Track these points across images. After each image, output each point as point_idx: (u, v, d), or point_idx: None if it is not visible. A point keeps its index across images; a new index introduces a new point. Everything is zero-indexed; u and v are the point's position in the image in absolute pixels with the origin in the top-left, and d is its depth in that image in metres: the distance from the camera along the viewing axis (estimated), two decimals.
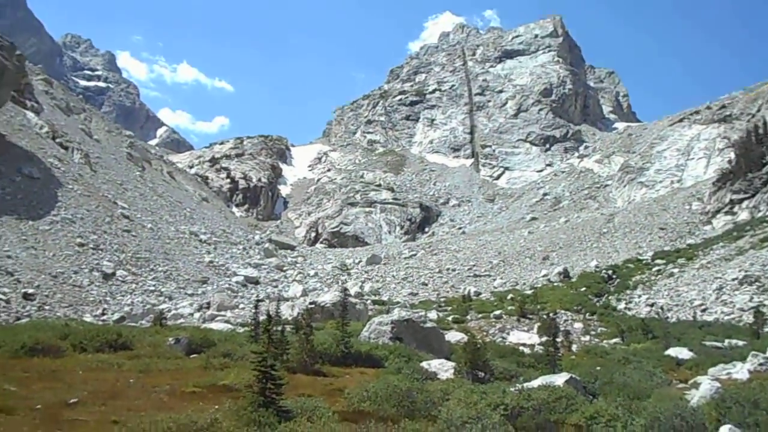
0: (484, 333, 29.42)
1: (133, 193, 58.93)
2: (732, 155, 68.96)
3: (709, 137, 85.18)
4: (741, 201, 57.65)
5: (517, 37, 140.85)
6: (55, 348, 14.42)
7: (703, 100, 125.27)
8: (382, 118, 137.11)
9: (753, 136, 64.51)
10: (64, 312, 31.64)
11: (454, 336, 24.48)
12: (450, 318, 32.98)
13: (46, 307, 31.59)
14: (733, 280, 35.88)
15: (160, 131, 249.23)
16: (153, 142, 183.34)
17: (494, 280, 50.25)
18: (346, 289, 29.42)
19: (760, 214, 52.94)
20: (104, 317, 32.59)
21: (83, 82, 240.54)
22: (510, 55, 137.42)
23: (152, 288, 40.23)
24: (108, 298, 36.17)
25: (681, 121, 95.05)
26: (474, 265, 55.78)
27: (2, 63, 46.98)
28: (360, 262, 60.31)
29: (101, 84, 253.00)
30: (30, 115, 59.03)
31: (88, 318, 31.17)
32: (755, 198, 56.95)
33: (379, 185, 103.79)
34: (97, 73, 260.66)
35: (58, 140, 58.45)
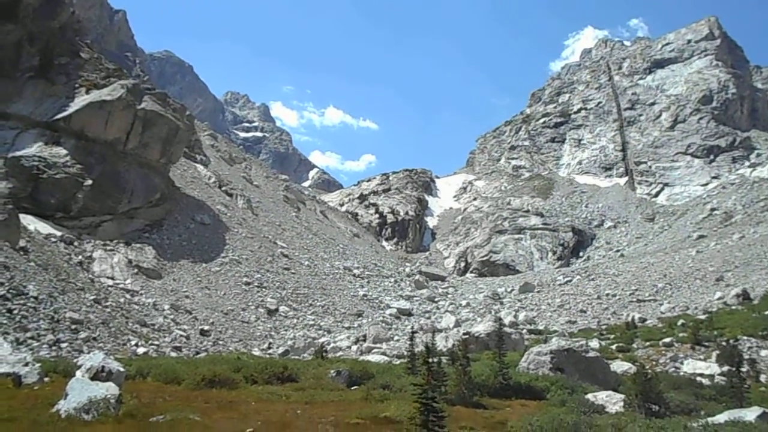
0: (654, 362, 27.21)
1: (290, 233, 62.66)
2: None
3: None
4: None
5: (667, 44, 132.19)
6: (230, 380, 15.51)
7: None
8: (526, 143, 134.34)
9: None
10: (235, 346, 34.07)
11: (620, 366, 22.88)
12: (614, 347, 30.93)
13: (220, 342, 34.21)
14: None
15: (312, 173, 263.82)
16: (306, 184, 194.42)
17: (661, 305, 46.49)
18: (499, 319, 28.81)
19: None
20: (270, 351, 34.60)
21: (243, 134, 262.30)
22: (661, 64, 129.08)
23: (312, 322, 42.14)
24: (273, 333, 38.43)
25: None
26: (636, 290, 52.12)
27: (176, 123, 52.52)
28: (512, 290, 58.85)
29: (258, 134, 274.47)
30: (200, 167, 65.38)
31: (256, 351, 33.27)
32: None
33: (528, 211, 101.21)
34: (254, 124, 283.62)
35: (223, 188, 64.01)
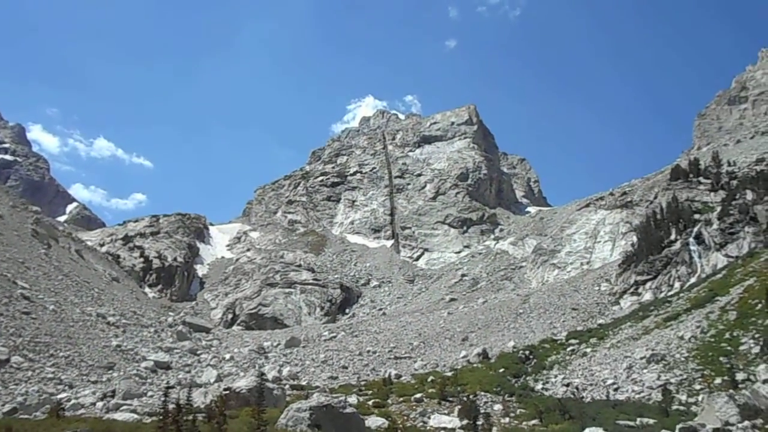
0: (405, 417, 28.90)
1: (36, 272, 55.49)
2: (634, 239, 73.45)
3: (614, 221, 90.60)
4: (644, 282, 60.98)
5: (434, 123, 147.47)
6: None
7: (607, 186, 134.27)
8: (304, 199, 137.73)
9: (652, 221, 69.23)
10: None
11: (374, 421, 23.90)
12: (371, 402, 32.25)
13: None
14: (641, 358, 37.35)
15: (71, 207, 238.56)
16: (62, 219, 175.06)
17: (415, 362, 49.95)
18: (263, 374, 28.43)
19: (662, 295, 56.03)
20: None
21: None
22: (428, 140, 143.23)
23: (51, 375, 37.24)
24: (0, 388, 33.13)
25: (588, 206, 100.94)
26: (394, 347, 55.42)
27: None
28: (278, 344, 58.63)
29: (8, 157, 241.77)
30: None
31: None
32: (657, 279, 60.42)
33: (300, 265, 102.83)
34: (4, 145, 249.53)
35: None
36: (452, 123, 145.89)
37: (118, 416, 24.61)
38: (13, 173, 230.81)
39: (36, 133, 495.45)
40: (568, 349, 44.65)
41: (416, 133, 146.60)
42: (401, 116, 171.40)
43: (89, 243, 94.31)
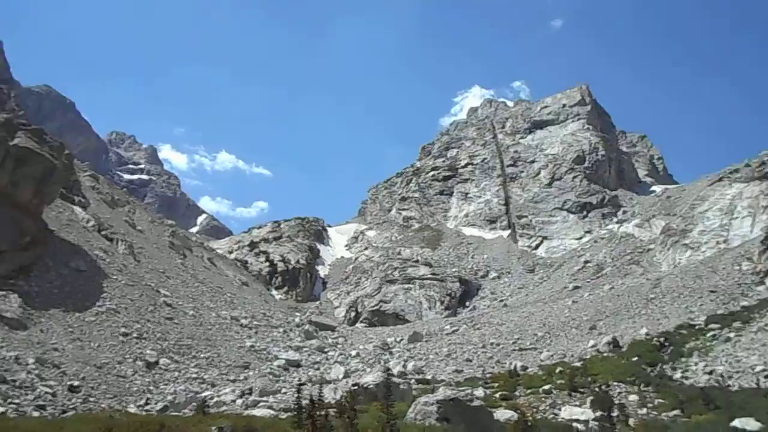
0: (535, 410, 28.23)
1: (175, 281, 59.90)
2: None
3: (752, 195, 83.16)
4: None
5: (545, 107, 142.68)
6: None
7: (738, 158, 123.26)
8: (417, 195, 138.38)
9: None
10: (109, 403, 31.61)
11: (503, 414, 23.52)
12: (497, 395, 31.83)
13: (91, 399, 31.63)
14: None
15: (201, 219, 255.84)
16: (194, 230, 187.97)
17: (540, 353, 48.69)
18: (388, 369, 28.89)
19: None
20: (148, 407, 32.42)
21: (127, 176, 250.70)
22: (539, 125, 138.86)
23: (195, 375, 40.08)
24: (151, 388, 36.09)
25: (720, 180, 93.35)
26: (518, 338, 54.33)
27: (52, 162, 49.41)
28: (401, 340, 59.36)
29: (144, 177, 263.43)
30: (77, 209, 61.41)
31: (132, 408, 31.05)
32: None
33: (417, 261, 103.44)
34: (140, 166, 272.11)
35: (103, 233, 60.39)
36: (564, 105, 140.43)
37: (257, 412, 25.97)
38: (149, 191, 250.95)
39: (166, 152, 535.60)
40: (709, 334, 41.54)
41: (526, 119, 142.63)
42: (509, 103, 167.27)
43: (219, 251, 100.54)
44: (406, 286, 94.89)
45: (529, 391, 32.38)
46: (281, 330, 59.12)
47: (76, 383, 32.44)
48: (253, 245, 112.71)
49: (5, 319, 36.48)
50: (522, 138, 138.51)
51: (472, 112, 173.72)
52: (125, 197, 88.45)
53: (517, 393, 32.33)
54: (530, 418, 21.01)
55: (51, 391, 30.36)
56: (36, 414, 26.05)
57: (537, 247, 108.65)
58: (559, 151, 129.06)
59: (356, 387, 26.80)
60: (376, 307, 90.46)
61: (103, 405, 30.86)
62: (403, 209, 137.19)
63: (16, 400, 27.20)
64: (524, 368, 42.09)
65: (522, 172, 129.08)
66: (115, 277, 50.80)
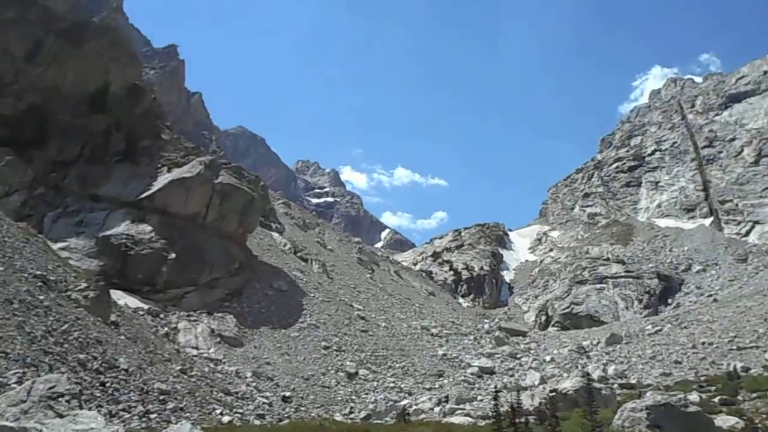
0: (764, 416, 25.03)
1: (366, 295, 62.79)
2: None
3: None
4: None
5: (741, 78, 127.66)
6: None
7: None
8: (600, 189, 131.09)
9: None
10: (317, 412, 33.88)
11: (725, 420, 21.17)
12: (716, 400, 28.74)
13: (302, 408, 34.13)
14: None
15: (384, 234, 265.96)
16: (379, 245, 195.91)
17: (764, 351, 43.13)
18: (588, 374, 27.46)
19: None
20: (352, 415, 34.19)
21: (315, 200, 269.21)
22: (736, 98, 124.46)
23: (392, 384, 41.49)
24: (353, 397, 38.05)
25: None
26: (735, 337, 48.70)
27: (251, 194, 54.59)
28: (598, 342, 56.21)
29: (329, 199, 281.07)
30: (275, 235, 67.22)
31: (338, 417, 32.95)
32: None
33: (608, 259, 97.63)
34: (325, 190, 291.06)
35: (299, 254, 65.34)
36: (765, 72, 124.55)
37: (455, 419, 26.15)
38: (335, 212, 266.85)
39: (347, 174, 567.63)
40: None
41: (720, 93, 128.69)
42: (698, 79, 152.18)
43: (404, 263, 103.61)
44: (598, 286, 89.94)
45: (754, 395, 28.82)
46: (471, 337, 59.12)
47: (288, 394, 35.27)
48: (436, 255, 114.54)
49: (225, 338, 40.84)
50: (717, 115, 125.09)
51: (655, 94, 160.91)
52: (315, 220, 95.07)
53: (739, 397, 28.93)
54: (759, 425, 18.68)
55: (267, 401, 33.29)
56: (257, 422, 28.69)
57: (747, 233, 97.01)
58: (764, 123, 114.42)
59: (554, 393, 25.85)
60: (567, 310, 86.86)
61: (313, 413, 33.14)
62: (587, 206, 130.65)
63: (240, 410, 30.18)
64: (746, 369, 37.59)
65: (720, 152, 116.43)
66: (312, 294, 54.58)
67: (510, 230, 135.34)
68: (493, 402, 17.66)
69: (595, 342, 56.91)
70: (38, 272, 29.73)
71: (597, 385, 27.70)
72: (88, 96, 51.37)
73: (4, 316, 23.28)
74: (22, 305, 25.01)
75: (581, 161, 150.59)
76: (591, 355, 52.02)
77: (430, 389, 41.52)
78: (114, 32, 60.32)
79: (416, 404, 36.47)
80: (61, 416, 13.71)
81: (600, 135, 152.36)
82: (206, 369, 34.55)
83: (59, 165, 47.75)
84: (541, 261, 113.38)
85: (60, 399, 14.28)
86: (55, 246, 39.77)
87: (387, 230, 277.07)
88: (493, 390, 29.31)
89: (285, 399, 34.62)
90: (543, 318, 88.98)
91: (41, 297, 27.15)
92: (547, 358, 52.28)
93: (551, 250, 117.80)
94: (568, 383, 27.22)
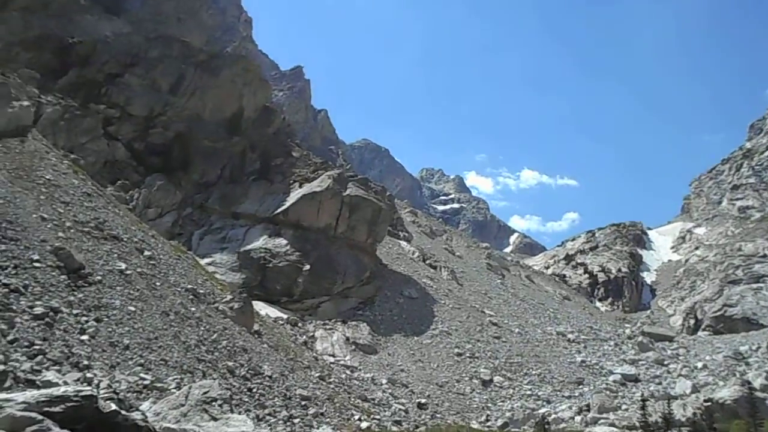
0: None
1: (497, 301, 61.72)
2: None
3: None
4: None
5: None
6: None
7: None
8: (752, 180, 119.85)
9: None
10: (453, 419, 33.71)
11: None
12: None
13: (438, 415, 34.14)
14: None
15: (513, 238, 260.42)
16: (508, 250, 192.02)
17: None
18: (748, 382, 25.10)
19: None
20: (488, 423, 33.65)
21: (441, 207, 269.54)
22: None
23: (529, 392, 40.36)
24: (489, 404, 37.46)
25: None
26: None
27: (378, 205, 55.76)
28: (758, 348, 51.14)
29: (455, 205, 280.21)
30: (403, 243, 68.07)
31: (474, 424, 32.58)
32: None
33: (765, 256, 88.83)
34: (450, 196, 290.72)
35: (427, 262, 65.65)
36: None
37: (598, 429, 24.92)
38: (461, 218, 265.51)
39: (472, 179, 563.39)
40: None
41: None
42: None
43: (535, 268, 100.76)
44: (755, 285, 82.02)
45: None
46: (612, 343, 56.14)
47: (423, 400, 35.44)
48: (569, 258, 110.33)
49: (360, 345, 41.88)
50: None
51: None
52: (441, 227, 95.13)
53: None
54: None
55: (404, 407, 33.66)
56: (395, 429, 29.09)
57: None
58: None
59: (710, 403, 23.87)
60: (719, 312, 80.00)
61: (449, 420, 33.01)
62: (737, 199, 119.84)
63: (377, 416, 30.76)
64: None
65: None
66: (443, 301, 54.55)
67: (649, 229, 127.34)
68: (640, 412, 16.64)
69: (754, 347, 51.85)
70: (189, 286, 32.23)
71: (760, 394, 25.20)
72: (225, 121, 55.28)
73: (163, 327, 25.43)
74: (177, 317, 27.21)
75: (727, 152, 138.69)
76: (750, 362, 47.42)
77: (569, 397, 39.92)
78: (245, 60, 64.47)
79: (555, 413, 35.22)
80: (215, 419, 14.70)
81: (748, 121, 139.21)
82: (343, 376, 35.61)
83: (203, 186, 51.71)
84: (686, 260, 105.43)
85: (213, 403, 15.33)
86: (203, 261, 43.01)
87: (516, 234, 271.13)
88: (640, 399, 27.62)
89: (420, 406, 34.82)
90: (691, 321, 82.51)
91: (193, 309, 29.38)
92: (699, 364, 48.38)
93: (697, 248, 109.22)
94: (726, 392, 25.02)
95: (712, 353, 52.74)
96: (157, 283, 29.73)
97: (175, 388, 20.43)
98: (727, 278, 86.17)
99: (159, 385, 20.69)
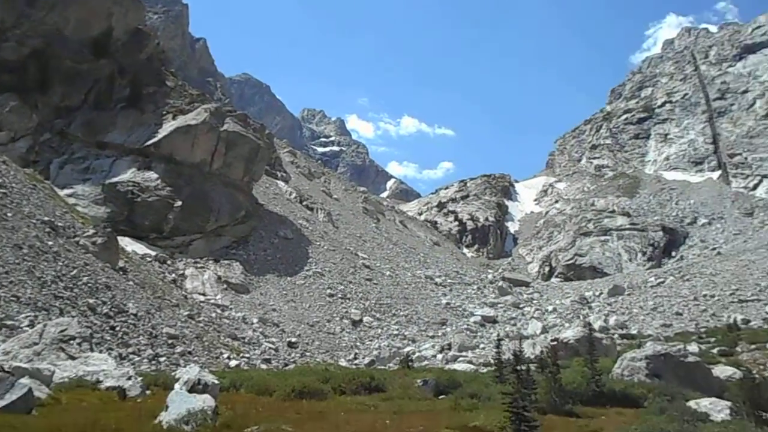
0: (761, 367, 25.43)
1: (371, 244, 63.19)
2: None
3: None
4: None
5: (758, 28, 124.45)
6: (320, 391, 15.75)
7: None
8: (608, 141, 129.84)
9: None
10: (322, 357, 34.62)
11: (723, 371, 21.49)
12: (715, 350, 29.16)
13: (308, 354, 34.87)
14: None
15: (390, 183, 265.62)
16: (384, 195, 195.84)
17: (765, 304, 43.53)
18: (589, 324, 27.81)
19: None
20: (356, 361, 34.92)
21: (320, 149, 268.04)
22: (751, 49, 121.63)
23: (396, 332, 42.23)
24: (358, 343, 38.80)
25: None
26: (737, 290, 49.04)
27: (256, 143, 54.31)
28: (601, 294, 56.74)
29: (335, 148, 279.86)
30: (281, 183, 67.21)
31: (342, 362, 33.66)
32: None
33: (613, 211, 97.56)
34: (331, 139, 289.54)
35: (304, 203, 65.46)
36: None
37: (457, 366, 26.66)
38: (340, 161, 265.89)
39: (353, 123, 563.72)
40: None
41: (735, 44, 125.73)
42: (713, 29, 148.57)
43: (409, 213, 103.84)
44: (603, 238, 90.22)
45: (753, 346, 29.21)
46: (475, 287, 59.75)
47: (293, 340, 35.96)
48: (441, 206, 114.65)
49: (232, 285, 41.38)
50: (730, 66, 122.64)
51: (668, 44, 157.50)
52: (320, 169, 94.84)
53: (738, 349, 29.35)
54: (757, 375, 18.98)
55: (274, 346, 33.99)
56: (264, 366, 29.36)
57: (755, 187, 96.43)
58: None
59: (556, 342, 26.26)
60: (571, 261, 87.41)
61: (318, 359, 33.85)
62: (595, 158, 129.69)
63: (246, 355, 30.87)
64: (746, 321, 38.04)
65: (732, 105, 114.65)
66: (318, 243, 54.95)
67: (516, 181, 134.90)
68: (495, 350, 17.99)
69: (597, 293, 57.44)
70: (46, 218, 29.99)
71: (598, 335, 28.08)
72: (90, 40, 50.60)
73: (14, 261, 23.60)
74: (31, 250, 25.32)
75: (590, 112, 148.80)
76: (593, 306, 52.60)
77: (433, 337, 42.27)
78: None
79: (419, 351, 37.20)
80: (72, 358, 14.06)
81: (610, 86, 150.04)
82: (213, 315, 35.17)
83: (64, 111, 47.48)
84: (547, 212, 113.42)
85: (71, 342, 14.62)
86: (62, 192, 40.01)
87: (393, 180, 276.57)
88: (496, 338, 29.81)
89: (291, 344, 35.33)
90: (546, 269, 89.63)
91: (50, 243, 27.45)
92: (550, 308, 52.94)
93: (557, 201, 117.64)
94: (570, 333, 27.62)
95: (561, 298, 57.78)
96: (9, 214, 27.39)
97: (27, 326, 19.22)
98: (579, 230, 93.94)
99: (9, 323, 19.37)
